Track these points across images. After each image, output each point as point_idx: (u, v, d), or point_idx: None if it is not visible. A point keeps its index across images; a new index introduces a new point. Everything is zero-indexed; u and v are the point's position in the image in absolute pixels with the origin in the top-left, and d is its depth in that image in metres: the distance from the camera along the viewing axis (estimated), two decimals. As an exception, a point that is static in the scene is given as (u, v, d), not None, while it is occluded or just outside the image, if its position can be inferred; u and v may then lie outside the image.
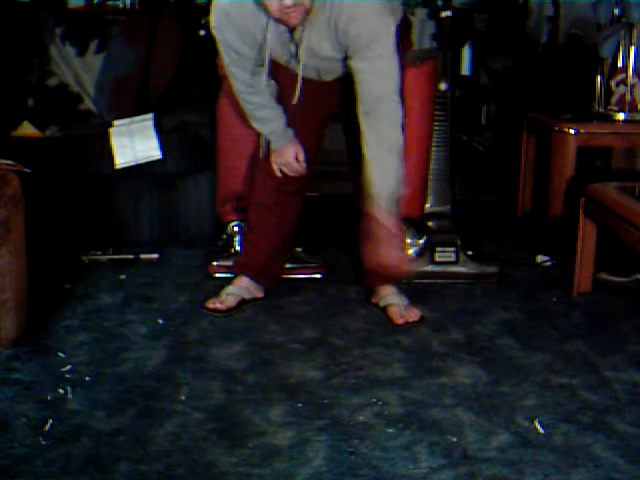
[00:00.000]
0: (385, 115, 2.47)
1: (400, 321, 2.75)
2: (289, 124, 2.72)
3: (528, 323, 2.79)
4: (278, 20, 2.37)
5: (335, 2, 2.35)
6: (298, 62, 2.51)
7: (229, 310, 2.80)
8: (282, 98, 2.67)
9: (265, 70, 2.55)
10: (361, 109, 2.48)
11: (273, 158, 2.76)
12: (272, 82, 2.64)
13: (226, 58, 2.57)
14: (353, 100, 2.51)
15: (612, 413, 2.17)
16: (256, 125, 2.74)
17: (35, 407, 2.13)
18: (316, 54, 2.49)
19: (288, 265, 3.11)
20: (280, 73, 2.62)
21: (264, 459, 1.92)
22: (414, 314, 2.78)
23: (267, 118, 2.69)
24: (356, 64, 2.43)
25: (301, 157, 2.75)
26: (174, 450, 1.95)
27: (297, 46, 2.48)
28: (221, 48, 2.55)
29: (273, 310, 2.86)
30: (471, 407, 2.19)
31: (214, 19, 2.50)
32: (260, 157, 2.86)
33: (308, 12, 2.35)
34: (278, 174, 2.78)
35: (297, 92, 2.52)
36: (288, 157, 2.74)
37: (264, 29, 2.45)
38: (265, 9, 2.35)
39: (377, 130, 2.48)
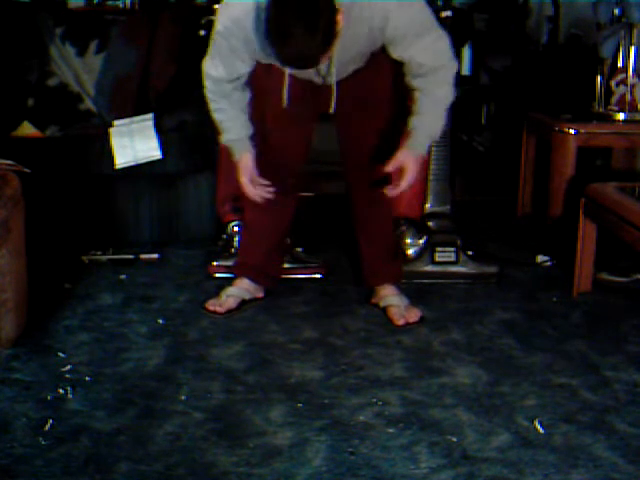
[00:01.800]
0: (438, 79, 2.49)
1: (400, 322, 2.75)
2: (282, 125, 2.70)
3: (528, 323, 2.79)
4: None
5: (363, 5, 2.34)
6: (323, 78, 2.53)
7: (229, 312, 2.81)
8: (273, 99, 2.65)
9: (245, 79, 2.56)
10: (411, 77, 2.51)
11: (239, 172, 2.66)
12: (247, 90, 2.60)
13: (216, 59, 2.50)
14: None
15: (612, 413, 2.17)
16: (219, 124, 2.65)
17: (35, 407, 2.13)
18: (342, 66, 2.50)
19: (288, 265, 3.11)
20: (272, 74, 2.61)
21: (264, 459, 1.92)
22: (414, 314, 2.78)
23: (231, 127, 2.62)
24: (403, 53, 2.45)
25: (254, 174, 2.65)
26: (174, 450, 1.95)
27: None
28: (216, 50, 2.49)
29: (273, 310, 2.86)
30: (471, 407, 2.19)
31: (221, 24, 2.45)
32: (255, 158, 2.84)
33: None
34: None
35: (333, 102, 2.53)
36: (245, 165, 2.63)
37: None
38: None
39: (429, 88, 2.50)
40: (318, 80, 2.58)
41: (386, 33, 2.41)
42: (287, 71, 2.49)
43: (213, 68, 2.54)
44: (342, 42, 2.35)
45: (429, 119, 2.53)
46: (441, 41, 2.47)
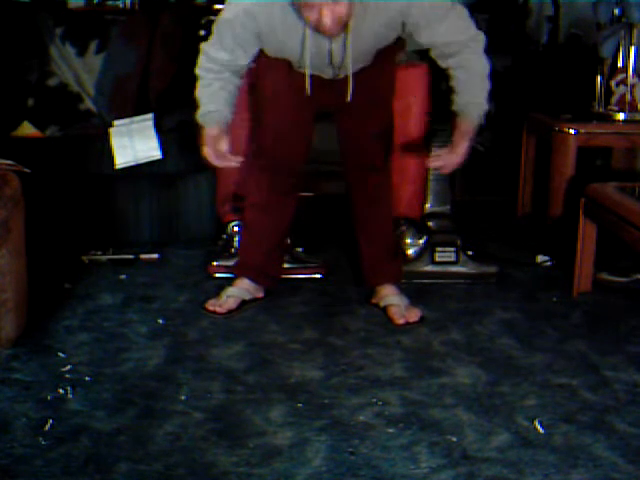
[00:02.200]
0: (470, 54, 2.50)
1: (401, 321, 2.75)
2: (282, 125, 2.70)
3: (528, 323, 2.79)
4: (316, 29, 2.36)
5: None
6: (336, 69, 2.55)
7: (229, 312, 2.81)
8: (276, 93, 2.65)
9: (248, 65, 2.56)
10: (441, 59, 2.53)
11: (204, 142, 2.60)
12: (239, 79, 2.60)
13: (217, 45, 2.50)
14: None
15: (612, 413, 2.17)
16: (200, 99, 2.59)
17: (35, 407, 2.13)
18: (353, 59, 2.50)
19: (288, 265, 3.11)
20: (276, 68, 2.61)
21: (264, 459, 1.92)
22: (414, 314, 2.78)
23: (211, 98, 2.57)
24: (430, 38, 2.47)
25: (222, 148, 2.57)
26: (174, 450, 1.95)
27: (332, 54, 2.50)
28: (218, 37, 2.49)
29: (273, 310, 2.86)
30: (471, 407, 2.19)
31: (231, 13, 2.45)
32: (252, 159, 2.83)
33: (348, 20, 2.35)
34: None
35: (350, 91, 2.54)
36: (211, 137, 2.55)
37: (301, 40, 2.46)
38: (302, 16, 2.35)
39: (464, 65, 2.51)
40: (328, 73, 2.58)
41: (410, 20, 2.43)
42: (308, 60, 2.48)
43: (213, 50, 2.53)
44: (358, 32, 2.38)
45: (473, 93, 2.53)
46: (463, 16, 2.48)
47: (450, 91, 2.56)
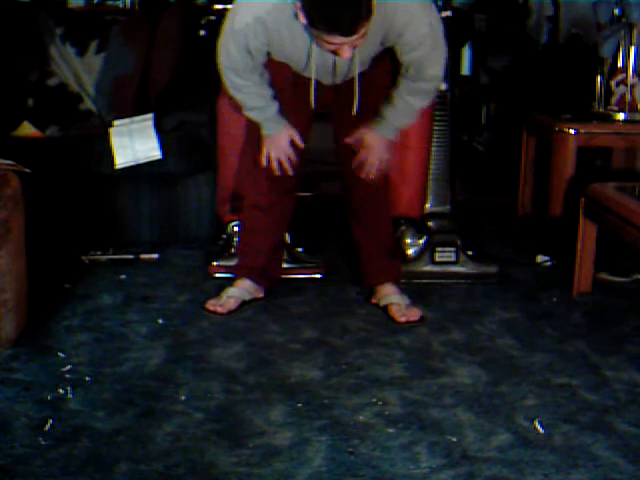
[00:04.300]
0: (426, 89, 2.62)
1: (402, 319, 2.75)
2: (285, 118, 2.71)
3: (528, 323, 2.79)
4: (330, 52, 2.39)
5: (388, 5, 2.37)
6: (338, 77, 2.61)
7: (230, 313, 2.81)
8: (277, 93, 2.67)
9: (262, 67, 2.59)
10: (401, 75, 2.59)
11: (266, 146, 2.72)
12: (266, 72, 2.63)
13: (236, 56, 2.51)
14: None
15: (612, 413, 2.17)
16: (251, 114, 2.70)
17: (35, 407, 2.13)
18: (358, 65, 2.54)
19: (288, 265, 3.11)
20: (279, 69, 2.62)
21: (264, 459, 1.92)
22: (415, 313, 2.78)
23: (262, 106, 2.65)
24: (411, 60, 2.52)
25: (296, 138, 2.72)
26: (174, 450, 1.95)
27: (336, 65, 2.55)
28: (236, 48, 2.50)
29: (273, 310, 2.86)
30: (471, 407, 2.19)
31: (242, 22, 2.45)
32: (251, 159, 2.84)
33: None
34: (264, 163, 2.73)
35: (355, 105, 2.59)
36: (283, 142, 2.71)
37: (307, 51, 2.48)
38: (316, 41, 2.37)
39: (414, 91, 2.60)
40: (328, 80, 2.61)
41: (402, 39, 2.46)
42: (314, 74, 2.53)
43: (232, 76, 2.58)
44: (363, 46, 2.41)
45: (402, 115, 2.66)
46: (443, 57, 2.56)
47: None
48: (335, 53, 2.36)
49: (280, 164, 2.73)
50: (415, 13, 2.43)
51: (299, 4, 2.29)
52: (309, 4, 2.25)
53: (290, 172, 2.76)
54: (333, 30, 2.24)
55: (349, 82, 2.60)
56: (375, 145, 2.69)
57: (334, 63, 2.54)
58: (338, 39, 2.26)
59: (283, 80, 2.64)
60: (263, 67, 2.60)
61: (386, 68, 2.65)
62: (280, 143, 2.72)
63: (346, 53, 2.32)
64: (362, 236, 2.92)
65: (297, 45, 2.49)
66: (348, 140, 2.70)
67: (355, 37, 2.26)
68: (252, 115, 2.71)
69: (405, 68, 2.55)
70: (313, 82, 2.55)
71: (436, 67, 2.55)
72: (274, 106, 2.66)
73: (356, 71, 2.53)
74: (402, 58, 2.53)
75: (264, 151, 2.73)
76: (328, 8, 2.21)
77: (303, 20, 2.30)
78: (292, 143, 2.73)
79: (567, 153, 3.52)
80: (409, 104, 2.62)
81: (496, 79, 5.14)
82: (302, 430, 2.05)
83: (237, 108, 2.77)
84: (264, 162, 2.74)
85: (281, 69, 2.62)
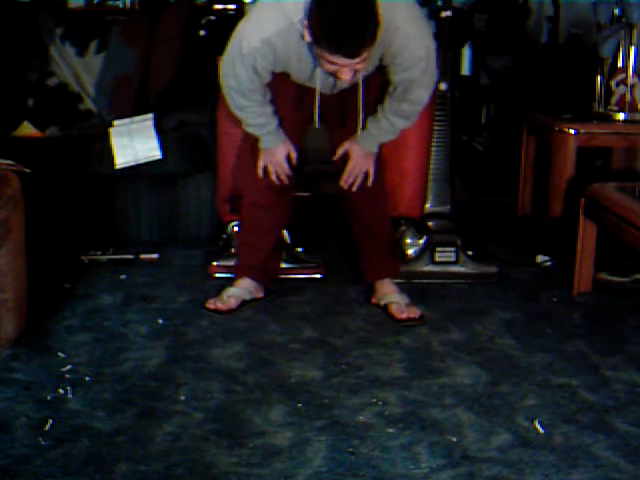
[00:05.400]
0: (410, 111, 2.65)
1: (402, 315, 2.76)
2: (285, 118, 2.72)
3: (528, 323, 2.79)
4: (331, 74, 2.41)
5: (390, 27, 2.38)
6: (337, 89, 2.63)
7: (230, 312, 2.81)
8: (276, 100, 2.68)
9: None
10: (388, 95, 2.62)
11: (263, 158, 2.76)
12: (268, 91, 2.65)
13: (244, 78, 2.52)
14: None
15: (612, 413, 2.17)
16: (250, 130, 2.73)
17: (35, 407, 2.13)
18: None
19: (288, 265, 3.11)
20: (282, 85, 2.63)
21: (264, 459, 1.92)
22: (414, 311, 2.79)
23: (263, 123, 2.68)
24: (402, 80, 2.55)
25: (293, 155, 2.76)
26: (174, 450, 1.95)
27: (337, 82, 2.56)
28: (244, 70, 2.50)
29: (273, 310, 2.86)
30: (471, 407, 2.19)
31: (249, 47, 2.45)
32: (250, 158, 2.84)
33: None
34: (261, 175, 2.78)
35: (360, 123, 2.64)
36: (279, 156, 2.74)
37: (311, 72, 2.52)
38: (318, 61, 2.39)
39: (399, 112, 2.64)
40: (328, 90, 2.63)
41: (397, 59, 2.49)
42: (317, 96, 2.55)
43: (237, 97, 2.60)
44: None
45: (385, 132, 2.70)
46: (432, 83, 2.61)
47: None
48: (335, 75, 2.38)
49: (276, 175, 2.78)
50: (414, 36, 2.46)
51: (306, 22, 2.31)
52: (316, 22, 2.27)
53: (286, 182, 2.79)
54: (336, 50, 2.27)
55: (348, 94, 2.62)
56: (358, 158, 2.74)
57: (334, 84, 2.58)
58: (340, 60, 2.28)
59: (285, 93, 2.66)
60: (266, 87, 2.61)
61: (378, 82, 2.66)
62: (276, 157, 2.75)
63: (346, 75, 2.34)
64: (361, 233, 2.93)
65: (302, 67, 2.53)
66: (335, 158, 2.77)
67: (356, 60, 2.29)
68: (251, 130, 2.73)
69: (394, 87, 2.58)
70: (317, 101, 2.55)
71: (423, 91, 2.59)
72: (274, 122, 2.69)
73: (360, 94, 2.55)
74: (393, 77, 2.56)
75: (260, 163, 2.77)
76: (334, 27, 2.24)
77: (308, 38, 2.33)
78: (287, 158, 2.76)
79: (567, 153, 3.52)
80: (392, 124, 2.66)
81: (496, 79, 5.14)
82: (302, 430, 2.05)
83: (236, 123, 2.78)
84: (260, 173, 2.78)
85: (283, 82, 2.63)
